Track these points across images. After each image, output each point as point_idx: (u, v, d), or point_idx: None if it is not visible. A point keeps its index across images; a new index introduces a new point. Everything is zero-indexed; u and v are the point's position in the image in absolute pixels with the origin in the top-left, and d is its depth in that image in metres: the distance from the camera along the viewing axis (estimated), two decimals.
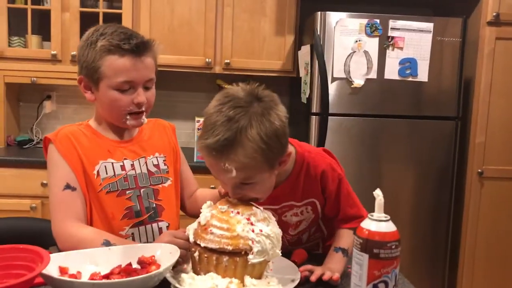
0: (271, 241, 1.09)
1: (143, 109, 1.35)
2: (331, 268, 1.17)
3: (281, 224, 1.28)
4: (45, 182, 2.63)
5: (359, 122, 2.66)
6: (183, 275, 1.10)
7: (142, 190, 1.39)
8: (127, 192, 1.36)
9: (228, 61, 2.96)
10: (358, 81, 2.61)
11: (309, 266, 1.16)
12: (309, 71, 2.66)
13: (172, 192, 1.46)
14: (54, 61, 2.88)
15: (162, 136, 1.52)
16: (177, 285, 1.07)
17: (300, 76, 2.85)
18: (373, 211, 0.86)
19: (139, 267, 1.11)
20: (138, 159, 1.41)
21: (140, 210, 1.37)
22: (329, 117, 2.59)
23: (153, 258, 1.12)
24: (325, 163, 1.28)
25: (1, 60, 2.86)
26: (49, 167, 1.35)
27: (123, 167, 1.37)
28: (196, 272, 1.12)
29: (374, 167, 2.70)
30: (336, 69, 2.60)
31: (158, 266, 1.09)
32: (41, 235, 1.62)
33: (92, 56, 1.29)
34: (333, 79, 2.60)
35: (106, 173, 1.34)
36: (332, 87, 2.60)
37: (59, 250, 1.27)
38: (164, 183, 1.44)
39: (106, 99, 1.32)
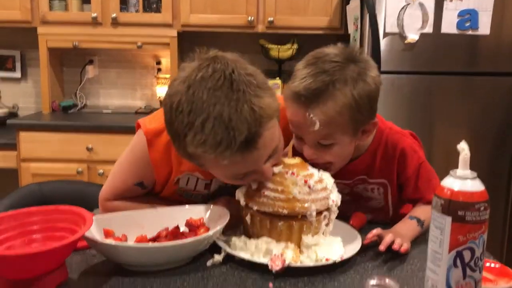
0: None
1: None
2: (401, 234, 1.05)
3: (352, 195, 1.21)
4: (90, 146, 2.63)
5: (412, 80, 2.49)
6: (234, 239, 1.02)
7: None
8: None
9: (272, 19, 2.81)
10: (412, 36, 2.43)
11: (378, 231, 1.05)
12: (359, 26, 2.50)
13: None
14: (95, 24, 2.83)
15: None
16: (228, 249, 0.99)
17: (349, 33, 2.68)
18: None
19: (187, 229, 1.04)
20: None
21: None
22: (381, 75, 2.42)
23: (201, 220, 1.05)
24: (406, 143, 1.17)
25: (44, 24, 2.84)
26: (133, 156, 1.16)
27: (207, 186, 1.18)
28: (248, 236, 1.04)
29: (427, 128, 2.54)
30: (388, 23, 2.41)
31: (207, 229, 1.02)
32: (87, 198, 1.60)
33: (184, 152, 0.96)
34: (385, 35, 2.42)
35: (186, 185, 1.17)
36: (384, 43, 2.43)
37: None
38: None
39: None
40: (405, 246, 1.03)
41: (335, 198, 1.04)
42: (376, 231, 1.05)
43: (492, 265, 1.00)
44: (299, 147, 1.11)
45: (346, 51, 1.05)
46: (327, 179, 1.05)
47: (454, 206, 0.69)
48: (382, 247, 1.02)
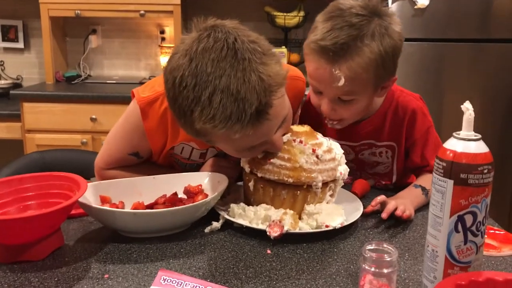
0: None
1: None
2: (405, 202, 1.03)
3: (357, 162, 1.18)
4: (94, 117, 2.61)
5: (422, 47, 2.43)
6: (233, 206, 1.00)
7: None
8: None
9: None
10: (423, 1, 2.35)
11: (382, 198, 1.03)
12: None
13: None
14: None
15: None
16: (226, 216, 0.97)
17: None
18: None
19: (185, 196, 1.03)
20: None
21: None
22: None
23: (200, 187, 1.03)
24: (416, 105, 1.15)
25: None
26: (127, 126, 1.13)
27: (203, 155, 1.16)
28: (249, 203, 1.02)
29: (437, 97, 2.48)
30: None
31: (206, 195, 1.00)
32: (89, 167, 1.59)
33: (191, 129, 0.90)
34: (394, 0, 2.35)
35: (181, 153, 1.15)
36: (393, 9, 2.36)
37: None
38: None
39: None
40: (408, 212, 1.01)
41: (343, 170, 1.01)
42: (380, 198, 1.03)
43: (497, 232, 0.98)
44: (316, 102, 1.09)
45: (371, 4, 1.02)
46: (336, 149, 1.02)
47: (456, 169, 0.66)
48: (384, 214, 1.00)
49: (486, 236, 0.91)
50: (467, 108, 0.67)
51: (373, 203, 1.03)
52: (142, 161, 1.17)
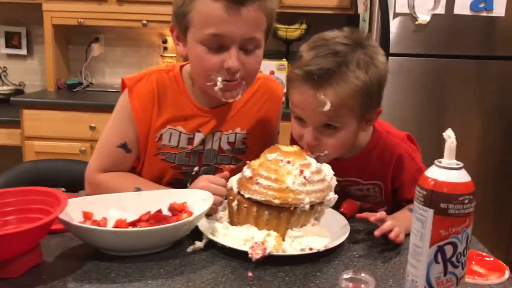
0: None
1: (237, 77, 1.06)
2: (399, 225, 1.00)
3: (343, 195, 1.14)
4: (93, 125, 2.61)
5: (423, 63, 2.41)
6: (217, 225, 0.98)
7: (203, 168, 1.21)
8: (183, 167, 1.20)
9: None
10: (424, 17, 2.34)
11: (381, 215, 0.99)
12: (369, 6, 2.42)
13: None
14: (100, 1, 2.79)
15: (261, 107, 1.24)
16: (209, 235, 0.96)
17: (358, 13, 2.60)
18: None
19: (170, 214, 1.01)
20: (213, 133, 1.19)
21: (188, 186, 1.17)
22: (389, 57, 2.35)
23: (185, 205, 1.02)
24: (403, 149, 1.13)
25: (49, 0, 2.80)
26: (116, 112, 1.19)
27: (190, 141, 1.18)
28: (233, 224, 1.00)
29: (438, 114, 2.46)
30: (398, 3, 2.33)
31: (190, 213, 0.98)
32: (83, 178, 1.58)
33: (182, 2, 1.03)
34: (395, 15, 2.35)
35: (169, 141, 1.18)
36: (394, 24, 2.35)
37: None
38: (233, 164, 1.23)
39: (193, 55, 1.09)
40: (401, 236, 0.99)
41: (333, 196, 0.99)
42: (379, 215, 1.00)
43: (486, 259, 0.96)
44: (298, 132, 1.07)
45: (354, 35, 1.03)
46: (327, 170, 1.00)
47: (436, 198, 0.64)
48: (377, 232, 0.98)
49: (474, 262, 0.89)
50: (449, 136, 0.66)
51: (372, 218, 0.99)
52: (130, 158, 1.19)
